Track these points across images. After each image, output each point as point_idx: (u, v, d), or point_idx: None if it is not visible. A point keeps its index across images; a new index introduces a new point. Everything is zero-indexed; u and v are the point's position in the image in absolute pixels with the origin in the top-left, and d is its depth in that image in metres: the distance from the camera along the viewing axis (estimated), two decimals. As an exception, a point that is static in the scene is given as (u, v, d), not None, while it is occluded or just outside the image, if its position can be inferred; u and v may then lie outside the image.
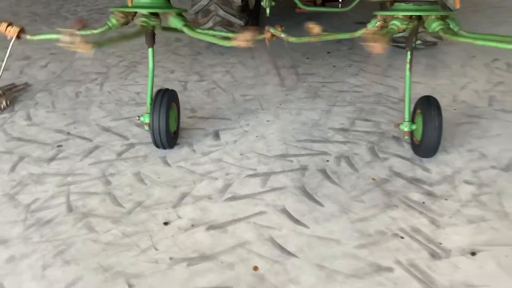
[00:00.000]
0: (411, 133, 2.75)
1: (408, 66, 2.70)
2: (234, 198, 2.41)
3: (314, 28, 2.74)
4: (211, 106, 3.40)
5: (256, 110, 3.34)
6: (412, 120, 2.72)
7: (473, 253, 2.01)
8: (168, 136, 2.72)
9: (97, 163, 2.73)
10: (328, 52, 4.41)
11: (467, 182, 2.48)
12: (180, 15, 2.76)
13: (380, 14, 2.59)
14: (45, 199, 2.41)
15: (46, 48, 4.68)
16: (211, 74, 3.98)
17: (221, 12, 4.00)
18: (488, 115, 3.18)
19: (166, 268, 1.98)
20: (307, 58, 4.28)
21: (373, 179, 2.54)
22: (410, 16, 2.58)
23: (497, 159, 2.68)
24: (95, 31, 2.68)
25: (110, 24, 2.66)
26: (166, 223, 2.24)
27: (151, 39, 2.79)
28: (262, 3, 3.37)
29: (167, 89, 2.78)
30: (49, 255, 2.04)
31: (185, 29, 2.68)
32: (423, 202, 2.34)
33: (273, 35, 2.52)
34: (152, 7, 2.67)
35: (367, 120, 3.14)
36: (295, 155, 2.77)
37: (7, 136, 3.04)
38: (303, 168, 2.64)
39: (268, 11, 2.80)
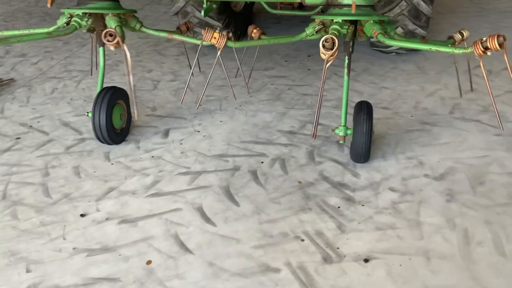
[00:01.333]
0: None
1: (346, 70, 2.68)
2: (157, 194, 2.47)
3: (256, 32, 2.78)
4: (173, 105, 3.49)
5: (214, 110, 3.39)
6: None
7: (366, 260, 1.98)
8: (110, 132, 2.82)
9: (44, 156, 2.86)
10: (309, 56, 4.40)
11: (392, 189, 2.44)
12: (117, 15, 2.85)
13: (318, 18, 2.59)
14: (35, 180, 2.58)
15: (42, 46, 4.94)
16: (185, 75, 4.07)
17: (197, 14, 4.08)
18: (444, 123, 3.10)
19: (67, 257, 2.07)
20: (285, 61, 4.29)
21: (299, 182, 2.54)
22: (350, 21, 2.58)
23: (434, 168, 2.61)
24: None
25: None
26: (82, 215, 2.33)
27: (101, 39, 2.92)
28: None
29: (112, 87, 2.88)
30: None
31: (118, 29, 2.78)
32: (339, 207, 2.33)
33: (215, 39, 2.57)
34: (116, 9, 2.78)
35: (318, 124, 3.13)
36: (233, 156, 2.80)
37: None
38: (236, 169, 2.67)
39: (203, 13, 2.86)
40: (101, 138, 2.84)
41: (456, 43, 2.82)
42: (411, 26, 3.76)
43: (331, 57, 2.04)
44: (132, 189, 2.52)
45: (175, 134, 3.08)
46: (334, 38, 1.96)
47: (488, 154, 2.72)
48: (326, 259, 1.99)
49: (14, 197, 2.48)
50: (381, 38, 2.45)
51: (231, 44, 2.54)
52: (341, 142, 2.69)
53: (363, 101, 2.63)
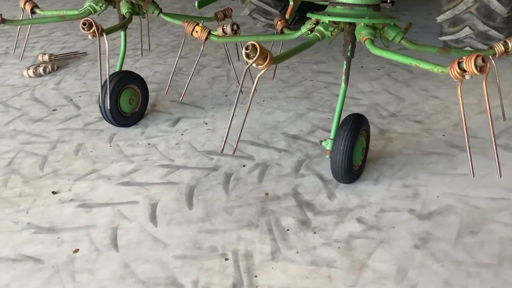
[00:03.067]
0: None
1: (343, 77, 2.36)
2: (127, 183, 2.50)
3: (279, 24, 2.58)
4: (201, 93, 3.46)
5: (232, 102, 3.24)
6: None
7: (274, 297, 1.77)
8: (114, 115, 2.90)
9: (63, 130, 3.08)
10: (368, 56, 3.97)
11: (359, 220, 2.11)
12: (130, 1, 2.89)
13: (313, 16, 2.29)
14: (6, 151, 2.89)
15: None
16: (234, 62, 3.99)
17: (254, 0, 3.94)
18: (479, 149, 2.57)
19: (18, 230, 2.21)
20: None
21: (266, 194, 2.34)
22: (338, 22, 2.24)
23: (427, 203, 2.19)
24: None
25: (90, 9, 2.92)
26: (54, 193, 2.46)
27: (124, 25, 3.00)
28: None
29: (123, 72, 2.94)
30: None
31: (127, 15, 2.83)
32: (288, 230, 2.09)
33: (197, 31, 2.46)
34: None
35: (329, 130, 2.83)
36: (222, 154, 2.69)
37: (29, 96, 3.59)
38: (214, 169, 2.56)
39: (197, 4, 2.70)
40: (107, 120, 2.96)
41: (497, 55, 2.29)
42: (482, 27, 3.14)
43: (260, 66, 1.79)
44: (110, 174, 2.58)
45: (183, 123, 3.06)
46: (257, 45, 1.71)
47: (508, 197, 2.20)
48: (236, 286, 1.83)
49: (16, 165, 2.73)
50: (367, 45, 2.08)
51: (214, 38, 2.40)
52: (327, 156, 2.40)
53: (354, 114, 2.30)
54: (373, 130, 2.81)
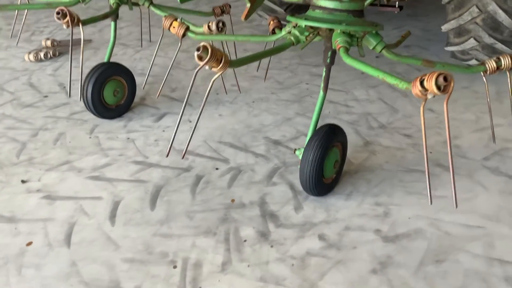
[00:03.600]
0: None
1: (322, 85, 2.25)
2: (96, 178, 2.45)
3: (272, 24, 2.48)
4: (193, 90, 3.37)
5: (224, 102, 3.20)
6: None
7: (213, 312, 1.69)
8: (96, 106, 2.86)
9: (48, 117, 3.06)
10: (377, 57, 3.81)
11: (320, 237, 2.01)
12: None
13: (291, 19, 2.18)
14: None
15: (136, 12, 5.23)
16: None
17: (259, -3, 3.84)
18: (465, 170, 2.42)
19: None
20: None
21: (232, 200, 2.26)
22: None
23: (395, 224, 2.07)
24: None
25: None
26: (23, 181, 2.43)
27: (116, 15, 2.95)
28: None
29: (109, 63, 2.90)
30: None
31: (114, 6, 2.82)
32: (245, 241, 2.00)
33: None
34: None
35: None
36: (197, 155, 2.62)
37: (25, 81, 3.58)
38: (186, 170, 2.49)
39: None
40: (90, 111, 2.92)
41: (488, 72, 2.14)
42: (488, 40, 2.95)
43: (214, 69, 1.70)
44: (82, 167, 2.54)
45: (168, 119, 3.00)
46: (208, 46, 1.62)
47: (484, 226, 2.05)
48: (176, 297, 1.76)
49: (1, 148, 2.74)
50: (341, 53, 1.96)
51: (191, 35, 2.32)
52: (299, 167, 2.30)
53: (328, 125, 2.19)
54: (357, 142, 2.69)
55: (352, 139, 2.72)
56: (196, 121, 1.88)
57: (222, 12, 3.15)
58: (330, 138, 2.12)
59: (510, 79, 2.17)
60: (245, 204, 2.24)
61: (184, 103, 1.89)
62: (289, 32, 2.18)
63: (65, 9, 2.25)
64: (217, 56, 1.62)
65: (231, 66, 1.72)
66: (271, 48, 2.08)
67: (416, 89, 1.59)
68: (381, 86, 3.33)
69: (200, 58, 1.61)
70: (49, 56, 4.03)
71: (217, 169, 2.50)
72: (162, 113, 3.08)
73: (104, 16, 2.68)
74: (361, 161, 2.52)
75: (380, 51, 2.12)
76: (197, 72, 1.72)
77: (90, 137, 2.83)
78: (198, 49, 1.58)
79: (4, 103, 3.26)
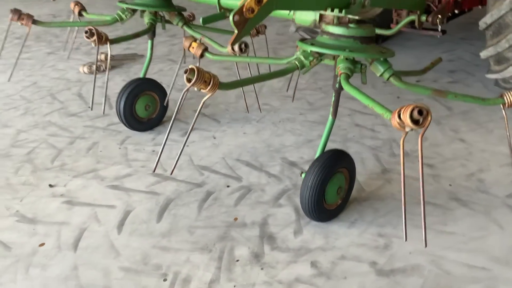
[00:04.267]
0: None
1: (331, 109, 2.23)
2: (115, 187, 2.59)
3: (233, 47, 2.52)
4: (224, 107, 3.47)
5: (252, 120, 3.25)
6: None
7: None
8: (128, 119, 3.03)
9: (88, 127, 3.27)
10: (417, 81, 3.68)
11: (313, 264, 1.97)
12: (180, 14, 2.98)
13: (299, 45, 2.17)
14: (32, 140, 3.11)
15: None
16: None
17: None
18: (483, 207, 2.28)
19: (6, 216, 2.38)
20: (383, 82, 3.70)
21: (235, 219, 2.28)
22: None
23: (394, 258, 1.99)
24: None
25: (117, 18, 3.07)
26: (51, 186, 2.62)
27: (153, 33, 3.10)
28: None
29: (142, 79, 3.07)
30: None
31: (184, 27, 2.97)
32: (237, 260, 2.02)
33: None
34: (154, 6, 2.95)
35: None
36: (212, 171, 2.68)
37: (76, 91, 3.85)
38: (199, 185, 2.56)
39: (202, 20, 2.65)
40: (122, 123, 3.09)
41: (507, 105, 2.02)
42: None
43: (203, 91, 1.72)
44: (105, 176, 2.69)
45: (194, 135, 3.09)
46: (195, 68, 1.66)
47: (490, 268, 1.91)
48: (158, 309, 1.81)
49: (34, 155, 2.96)
50: (341, 80, 1.93)
51: (209, 55, 2.40)
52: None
53: (332, 150, 2.15)
54: (375, 168, 2.62)
55: (370, 165, 2.66)
56: (186, 138, 1.94)
57: (258, 32, 3.22)
58: (333, 164, 2.09)
59: (532, 113, 2.03)
60: (246, 223, 2.26)
61: (172, 120, 1.98)
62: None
63: (93, 29, 2.42)
64: (204, 78, 1.68)
65: (221, 88, 1.77)
66: (271, 72, 2.11)
67: (395, 121, 1.54)
68: (415, 111, 3.22)
69: (189, 80, 1.68)
70: (101, 69, 4.31)
71: (228, 186, 2.55)
72: (188, 129, 3.18)
73: (135, 36, 2.84)
74: (374, 188, 2.46)
75: (388, 79, 2.07)
76: (184, 92, 1.79)
77: (119, 148, 3.00)
78: (185, 71, 1.65)
79: (52, 111, 3.53)
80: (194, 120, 1.90)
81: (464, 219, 2.21)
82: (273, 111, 3.36)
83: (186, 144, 2.98)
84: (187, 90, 1.71)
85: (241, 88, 3.15)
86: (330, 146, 2.89)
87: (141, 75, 3.19)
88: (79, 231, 2.27)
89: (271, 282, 1.91)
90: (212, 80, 1.71)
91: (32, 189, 2.61)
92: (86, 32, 2.43)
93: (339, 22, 2.07)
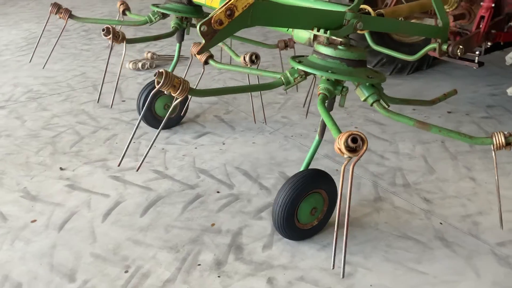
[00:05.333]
0: None
1: (318, 129, 2.20)
2: (116, 178, 2.72)
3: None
4: (245, 115, 3.50)
5: (265, 131, 3.26)
6: None
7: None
8: (147, 116, 3.16)
9: (115, 119, 3.46)
10: (449, 112, 3.49)
11: (269, 281, 1.97)
12: (180, 17, 3.10)
13: (290, 61, 2.15)
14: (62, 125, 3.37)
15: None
16: (298, 91, 3.92)
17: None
18: (468, 251, 2.14)
19: (14, 190, 2.60)
20: (413, 109, 3.54)
21: (212, 224, 2.32)
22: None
23: (351, 287, 1.91)
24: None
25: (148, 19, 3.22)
26: (61, 169, 2.82)
27: (181, 37, 3.22)
28: None
29: (151, 84, 3.18)
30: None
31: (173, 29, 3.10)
32: (199, 265, 2.06)
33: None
34: (185, 12, 3.08)
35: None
36: (210, 175, 2.74)
37: (115, 85, 4.07)
38: (192, 187, 2.63)
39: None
40: (143, 120, 3.24)
41: (494, 147, 1.89)
42: None
43: (174, 95, 1.76)
44: (111, 166, 2.84)
45: (205, 139, 3.17)
46: (164, 72, 1.70)
47: (450, 315, 1.79)
48: (109, 297, 1.89)
49: (58, 138, 3.18)
50: (318, 99, 1.90)
51: (212, 63, 2.47)
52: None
53: (311, 170, 2.13)
54: (369, 195, 2.55)
55: (364, 191, 2.59)
56: (154, 138, 1.99)
57: (286, 46, 3.25)
58: (307, 183, 2.07)
59: (524, 159, 1.88)
60: (221, 230, 2.30)
61: (138, 120, 2.06)
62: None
63: (110, 27, 2.58)
64: (173, 83, 1.75)
65: (191, 94, 1.83)
66: (255, 84, 2.14)
67: (335, 146, 1.51)
68: (434, 143, 3.07)
69: (158, 83, 1.76)
70: (146, 67, 4.53)
71: (218, 192, 2.60)
72: (204, 132, 3.27)
73: (156, 38, 2.98)
74: (360, 215, 2.39)
75: (371, 104, 2.01)
76: (152, 94, 1.86)
77: (134, 142, 3.15)
78: (155, 74, 1.73)
79: (89, 101, 3.78)
80: (162, 125, 1.97)
81: (442, 260, 2.09)
82: (289, 125, 3.36)
83: (196, 146, 3.12)
84: (155, 91, 1.79)
85: (260, 100, 3.20)
86: (330, 165, 2.88)
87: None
88: (70, 214, 2.43)
89: (223, 291, 1.95)
90: (181, 85, 1.78)
91: (44, 170, 2.82)
92: (103, 30, 2.60)
93: (329, 43, 2.05)
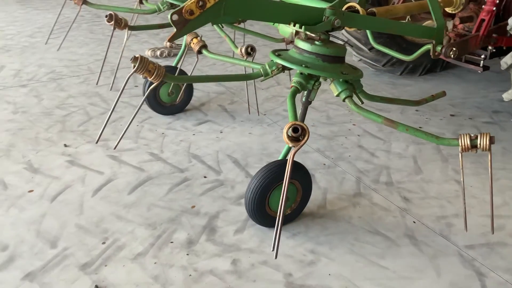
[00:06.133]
0: None
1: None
2: (114, 157, 2.88)
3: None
4: (251, 106, 3.58)
5: (264, 122, 3.35)
6: None
7: None
8: (151, 101, 3.31)
9: (124, 102, 3.63)
10: (452, 115, 3.44)
11: (234, 263, 2.07)
12: None
13: (270, 54, 2.22)
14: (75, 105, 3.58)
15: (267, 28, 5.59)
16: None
17: (345, 33, 3.83)
18: (437, 252, 2.14)
19: (19, 162, 2.81)
20: (416, 110, 3.52)
21: (192, 206, 2.44)
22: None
23: (312, 275, 2.01)
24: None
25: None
26: (65, 145, 2.99)
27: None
28: None
29: (168, 67, 3.29)
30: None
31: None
32: (171, 242, 2.18)
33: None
34: None
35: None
36: (201, 161, 2.85)
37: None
38: (181, 171, 2.76)
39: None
40: (147, 104, 3.38)
41: (460, 149, 1.90)
42: None
43: (149, 79, 1.87)
44: (111, 146, 3.00)
45: (205, 126, 3.29)
46: (139, 57, 1.81)
47: (400, 309, 1.82)
48: (86, 265, 2.03)
49: (69, 117, 3.37)
50: (290, 92, 1.96)
51: (205, 52, 2.56)
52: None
53: (286, 161, 2.18)
54: (349, 190, 2.59)
55: (346, 186, 2.64)
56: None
57: (292, 40, 3.31)
58: (279, 172, 2.15)
59: (490, 160, 1.88)
60: (200, 213, 2.41)
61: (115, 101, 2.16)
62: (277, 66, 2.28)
63: (113, 14, 2.73)
64: (148, 68, 1.87)
65: (166, 79, 1.94)
66: (233, 74, 2.23)
67: (284, 135, 1.57)
68: (428, 145, 3.07)
69: (134, 67, 1.88)
70: (164, 55, 4.69)
71: (205, 177, 2.71)
72: (205, 120, 3.39)
73: (159, 26, 3.11)
74: (336, 209, 2.44)
75: (344, 100, 2.06)
76: (128, 77, 1.97)
77: (137, 125, 3.30)
78: (131, 59, 1.85)
79: (104, 84, 3.97)
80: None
81: (405, 257, 2.12)
82: (289, 118, 3.43)
83: (194, 133, 3.23)
84: (130, 75, 1.91)
85: (254, 91, 3.29)
86: (319, 159, 2.94)
87: (173, 64, 3.48)
88: (64, 187, 2.60)
89: (187, 267, 2.05)
90: (156, 70, 1.90)
91: (50, 145, 3.02)
92: (106, 16, 2.75)
93: (308, 38, 2.11)
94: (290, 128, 1.54)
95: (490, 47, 3.02)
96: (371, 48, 3.86)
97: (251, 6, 1.93)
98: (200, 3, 1.78)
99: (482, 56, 3.23)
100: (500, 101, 3.75)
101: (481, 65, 3.24)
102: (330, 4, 2.13)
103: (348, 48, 4.01)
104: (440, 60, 4.23)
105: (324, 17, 2.08)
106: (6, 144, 3.02)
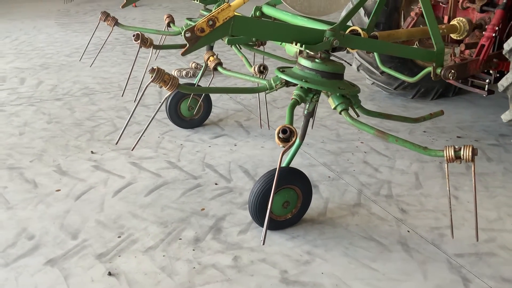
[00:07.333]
0: None
1: (300, 132, 2.43)
2: (134, 164, 3.14)
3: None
4: (263, 122, 3.78)
5: (274, 137, 3.50)
6: None
7: (109, 273, 2.11)
8: (172, 116, 3.58)
9: (149, 116, 3.89)
10: (458, 137, 3.54)
11: (235, 259, 2.25)
12: None
13: (275, 70, 2.44)
14: (104, 118, 3.87)
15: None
16: (319, 106, 4.14)
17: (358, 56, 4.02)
18: (426, 257, 2.25)
19: (49, 165, 3.09)
20: (424, 131, 3.64)
21: (202, 209, 2.64)
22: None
23: (307, 273, 2.17)
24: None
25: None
26: (92, 152, 3.28)
27: (210, 46, 3.61)
28: None
29: (190, 83, 3.55)
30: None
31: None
32: (180, 239, 2.38)
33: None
34: None
35: (316, 187, 2.83)
36: (214, 170, 3.06)
37: (158, 88, 4.47)
38: (194, 178, 2.99)
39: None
40: (168, 118, 3.63)
41: (446, 160, 2.05)
42: None
43: (164, 88, 2.09)
44: (133, 154, 3.26)
45: (221, 140, 3.52)
46: (156, 68, 2.04)
47: (384, 306, 1.94)
48: (101, 255, 2.24)
49: (98, 128, 3.67)
50: (289, 104, 2.16)
51: (220, 69, 2.79)
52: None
53: (288, 168, 2.38)
54: (350, 201, 2.75)
55: (347, 197, 2.80)
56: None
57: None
58: (280, 179, 2.32)
59: (473, 171, 2.02)
60: (208, 215, 2.61)
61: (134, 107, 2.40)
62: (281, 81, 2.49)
63: (139, 34, 3.01)
64: (163, 78, 2.11)
65: (180, 89, 2.18)
66: (241, 87, 2.44)
67: (276, 138, 1.76)
68: (431, 163, 3.19)
69: (151, 77, 2.12)
70: (189, 75, 4.99)
71: (216, 184, 2.92)
72: (221, 134, 3.62)
73: (182, 46, 3.37)
74: (335, 216, 2.60)
75: (340, 112, 2.24)
76: (147, 85, 2.22)
77: (158, 137, 3.56)
78: (149, 70, 2.10)
79: (131, 100, 4.27)
80: (154, 114, 2.35)
81: (396, 262, 2.25)
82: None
83: (210, 145, 3.46)
84: (148, 85, 2.16)
85: (266, 107, 3.52)
86: (324, 172, 3.10)
87: (195, 82, 3.74)
88: (88, 188, 2.86)
89: (192, 261, 2.24)
90: (171, 80, 2.14)
91: (78, 152, 3.30)
92: (133, 36, 3.04)
93: (309, 56, 2.32)
94: (281, 130, 1.74)
95: (492, 71, 3.15)
96: (383, 72, 4.04)
97: (256, 26, 2.17)
98: (210, 22, 2.03)
99: (487, 81, 3.36)
100: (508, 126, 3.84)
101: (485, 89, 3.38)
102: (331, 27, 2.35)
103: (362, 72, 4.20)
104: (452, 85, 4.36)
105: (324, 37, 2.30)
106: (39, 149, 3.33)
